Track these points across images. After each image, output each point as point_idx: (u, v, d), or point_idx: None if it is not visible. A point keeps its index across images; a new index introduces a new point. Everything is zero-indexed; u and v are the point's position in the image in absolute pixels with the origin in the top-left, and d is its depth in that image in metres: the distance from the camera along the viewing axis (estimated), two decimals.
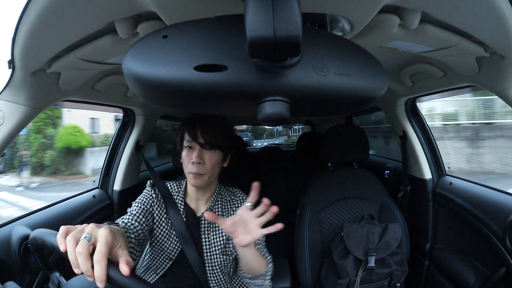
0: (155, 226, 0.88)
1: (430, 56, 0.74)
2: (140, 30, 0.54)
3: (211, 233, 0.91)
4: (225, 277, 0.90)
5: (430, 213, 1.31)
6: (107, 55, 0.66)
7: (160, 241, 0.88)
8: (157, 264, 0.88)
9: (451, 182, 1.26)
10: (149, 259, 0.90)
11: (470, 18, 0.54)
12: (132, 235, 0.75)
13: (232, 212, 0.95)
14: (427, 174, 1.33)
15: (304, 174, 2.03)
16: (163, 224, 0.88)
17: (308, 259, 1.19)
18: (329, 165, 1.39)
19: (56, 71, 0.70)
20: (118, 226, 0.70)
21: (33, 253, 0.58)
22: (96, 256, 0.43)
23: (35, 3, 0.45)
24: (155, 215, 0.88)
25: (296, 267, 1.23)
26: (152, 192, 0.91)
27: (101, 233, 0.46)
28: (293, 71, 0.34)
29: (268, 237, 0.75)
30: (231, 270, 0.94)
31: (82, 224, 0.50)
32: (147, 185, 0.95)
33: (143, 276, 0.90)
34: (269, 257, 0.86)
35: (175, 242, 0.88)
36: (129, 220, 0.79)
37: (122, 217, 0.81)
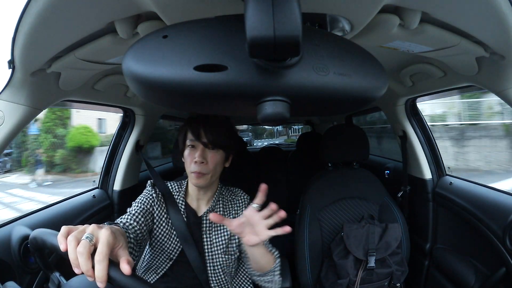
0: (155, 226, 0.88)
1: (430, 56, 0.74)
2: (140, 30, 0.54)
3: (213, 233, 0.91)
4: (226, 277, 0.90)
5: (430, 213, 1.31)
6: (107, 55, 0.66)
7: (161, 241, 0.87)
8: (157, 264, 0.88)
9: (451, 182, 1.26)
10: (149, 259, 0.90)
11: (470, 18, 0.54)
12: (131, 235, 0.75)
13: (234, 212, 0.95)
14: (427, 174, 1.33)
15: (304, 174, 2.03)
16: (164, 224, 0.88)
17: (308, 259, 1.19)
18: (329, 165, 1.39)
19: (56, 71, 0.70)
20: (118, 226, 0.70)
21: (33, 253, 0.58)
22: (97, 256, 0.43)
23: (35, 3, 0.45)
24: (155, 215, 0.88)
25: (296, 267, 1.23)
26: (153, 192, 0.91)
27: (103, 233, 0.46)
28: (293, 71, 0.34)
29: None
30: (233, 270, 0.94)
31: (82, 224, 0.50)
32: (147, 184, 0.94)
33: (143, 276, 0.90)
34: (276, 253, 0.87)
35: (176, 242, 0.88)
36: (128, 220, 0.79)
37: (121, 217, 0.81)
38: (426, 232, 1.32)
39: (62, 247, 0.45)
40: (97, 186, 1.40)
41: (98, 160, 9.48)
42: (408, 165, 1.41)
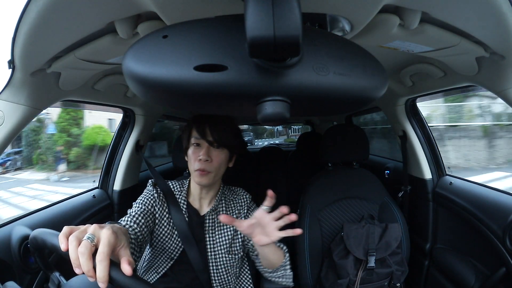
0: (156, 226, 0.87)
1: (430, 56, 0.74)
2: (140, 30, 0.54)
3: (216, 232, 0.90)
4: (230, 277, 0.90)
5: (430, 213, 1.31)
6: (107, 55, 0.66)
7: (162, 240, 0.87)
8: (158, 263, 0.88)
9: (451, 182, 1.26)
10: (150, 259, 0.90)
11: (470, 18, 0.54)
12: (132, 237, 0.75)
13: (236, 211, 0.95)
14: (427, 174, 1.33)
15: (304, 174, 2.03)
16: (165, 224, 0.88)
17: (308, 259, 1.19)
18: (329, 165, 1.39)
19: (56, 71, 0.70)
20: (120, 225, 0.70)
21: (33, 253, 0.58)
22: (98, 257, 0.43)
23: (35, 3, 0.45)
24: (156, 215, 0.87)
25: (296, 267, 1.23)
26: (154, 191, 0.90)
27: (104, 233, 0.46)
28: (293, 71, 0.34)
29: None
30: (237, 270, 0.94)
31: (82, 224, 0.50)
32: (148, 184, 0.94)
33: (144, 275, 0.90)
34: (284, 248, 0.89)
35: (177, 242, 0.87)
36: (128, 222, 0.78)
37: (121, 219, 0.81)
38: (426, 232, 1.32)
39: (63, 247, 0.45)
40: (97, 186, 1.40)
41: None
42: (408, 165, 1.41)
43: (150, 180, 0.95)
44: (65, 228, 0.47)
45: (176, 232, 0.88)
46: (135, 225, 0.78)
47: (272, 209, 0.67)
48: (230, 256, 0.90)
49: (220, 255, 0.89)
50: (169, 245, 0.87)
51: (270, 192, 0.65)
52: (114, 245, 0.47)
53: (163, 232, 0.87)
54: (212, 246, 0.89)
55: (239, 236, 0.93)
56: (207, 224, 0.90)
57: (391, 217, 1.23)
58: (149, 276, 0.89)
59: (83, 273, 0.43)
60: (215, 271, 0.89)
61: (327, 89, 0.36)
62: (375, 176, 1.34)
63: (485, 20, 0.55)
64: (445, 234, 1.27)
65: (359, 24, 0.52)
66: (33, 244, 0.54)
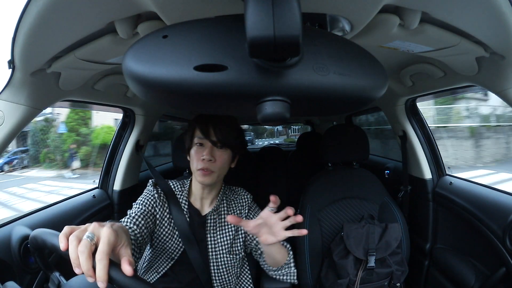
0: (157, 227, 0.87)
1: (430, 56, 0.74)
2: (140, 30, 0.54)
3: (217, 233, 0.90)
4: (230, 277, 0.90)
5: (430, 213, 1.31)
6: (107, 55, 0.66)
7: (163, 241, 0.87)
8: (158, 263, 0.88)
9: (451, 182, 1.26)
10: (150, 259, 0.89)
11: (470, 18, 0.54)
12: (132, 238, 0.75)
13: (237, 211, 0.95)
14: (427, 174, 1.33)
15: (304, 174, 2.03)
16: (166, 224, 0.87)
17: (308, 259, 1.19)
18: (329, 165, 1.39)
19: (56, 71, 0.70)
20: (120, 223, 0.69)
21: (33, 253, 0.58)
22: (98, 255, 0.43)
23: (35, 3, 0.45)
24: (157, 216, 0.87)
25: (296, 267, 1.23)
26: (154, 192, 0.89)
27: (104, 232, 0.46)
28: (293, 71, 0.34)
29: None
30: (238, 270, 0.94)
31: (82, 224, 0.49)
32: (148, 184, 0.93)
33: (144, 275, 0.90)
34: (288, 246, 0.91)
35: (178, 242, 0.87)
36: (127, 224, 0.78)
37: (121, 220, 0.80)
38: (426, 232, 1.32)
39: (62, 246, 0.44)
40: (97, 186, 1.40)
41: None
42: (408, 165, 1.41)
43: (150, 180, 0.94)
44: (66, 228, 0.47)
45: (177, 233, 0.87)
46: (135, 227, 0.78)
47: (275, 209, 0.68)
48: (231, 256, 0.90)
49: (221, 256, 0.89)
50: (169, 246, 0.87)
51: (272, 198, 0.66)
52: (114, 243, 0.46)
53: (164, 233, 0.87)
54: (213, 246, 0.89)
55: (240, 236, 0.93)
56: (208, 224, 0.90)
57: (391, 217, 1.23)
58: (149, 276, 0.89)
59: (83, 273, 0.43)
60: (216, 271, 0.89)
61: (327, 89, 0.36)
62: (375, 176, 1.34)
63: (485, 20, 0.55)
64: (445, 234, 1.26)
65: (359, 24, 0.52)
66: (33, 244, 0.54)
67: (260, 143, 11.43)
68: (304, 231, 0.65)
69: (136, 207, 0.85)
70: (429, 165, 1.34)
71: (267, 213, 0.67)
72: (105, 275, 0.42)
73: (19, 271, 0.81)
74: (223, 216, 0.92)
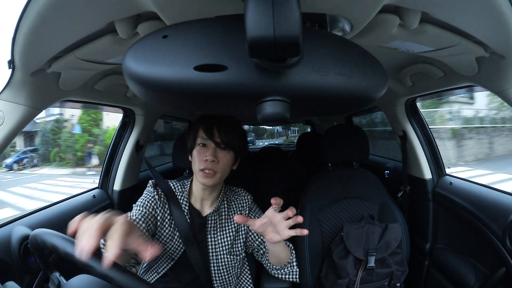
0: (158, 228, 0.87)
1: (430, 56, 0.74)
2: (140, 30, 0.54)
3: (218, 233, 0.90)
4: (231, 278, 0.90)
5: (430, 213, 1.31)
6: (107, 55, 0.66)
7: (163, 242, 0.87)
8: (158, 264, 0.88)
9: (451, 182, 1.26)
10: (150, 259, 0.89)
11: (470, 18, 0.54)
12: None
13: (238, 212, 0.95)
14: (427, 174, 1.33)
15: (304, 174, 2.03)
16: (166, 226, 0.87)
17: (308, 259, 1.19)
18: (329, 165, 1.39)
19: (56, 71, 0.70)
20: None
21: (33, 253, 0.58)
22: (111, 231, 0.42)
23: (35, 3, 0.45)
24: (158, 217, 0.86)
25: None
26: (155, 193, 0.89)
27: (120, 217, 0.46)
28: (293, 71, 0.34)
29: None
30: (238, 270, 0.94)
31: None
32: (148, 185, 0.93)
33: (144, 275, 0.90)
34: (291, 245, 0.93)
35: (178, 243, 0.87)
36: None
37: None
38: (426, 232, 1.32)
39: (71, 227, 0.44)
40: (97, 186, 1.40)
41: None
42: (408, 165, 1.41)
43: (150, 181, 0.94)
44: (79, 217, 0.46)
45: (177, 233, 0.87)
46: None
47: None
48: (231, 257, 0.90)
49: (222, 256, 0.89)
50: (170, 246, 0.87)
51: (273, 200, 0.67)
52: (129, 229, 0.45)
53: (165, 234, 0.87)
54: (213, 247, 0.89)
55: (241, 237, 0.93)
56: (209, 225, 0.90)
57: (391, 217, 1.23)
58: (149, 276, 0.89)
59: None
60: (216, 271, 0.88)
61: (327, 89, 0.36)
62: (375, 176, 1.34)
63: (485, 20, 0.55)
64: (445, 234, 1.26)
65: (359, 24, 0.52)
66: (33, 244, 0.54)
67: (260, 143, 11.49)
68: (305, 231, 0.66)
69: (136, 209, 0.84)
70: (429, 165, 1.34)
71: (271, 212, 0.68)
72: (91, 246, 0.40)
73: (19, 271, 0.81)
74: (223, 217, 0.92)
